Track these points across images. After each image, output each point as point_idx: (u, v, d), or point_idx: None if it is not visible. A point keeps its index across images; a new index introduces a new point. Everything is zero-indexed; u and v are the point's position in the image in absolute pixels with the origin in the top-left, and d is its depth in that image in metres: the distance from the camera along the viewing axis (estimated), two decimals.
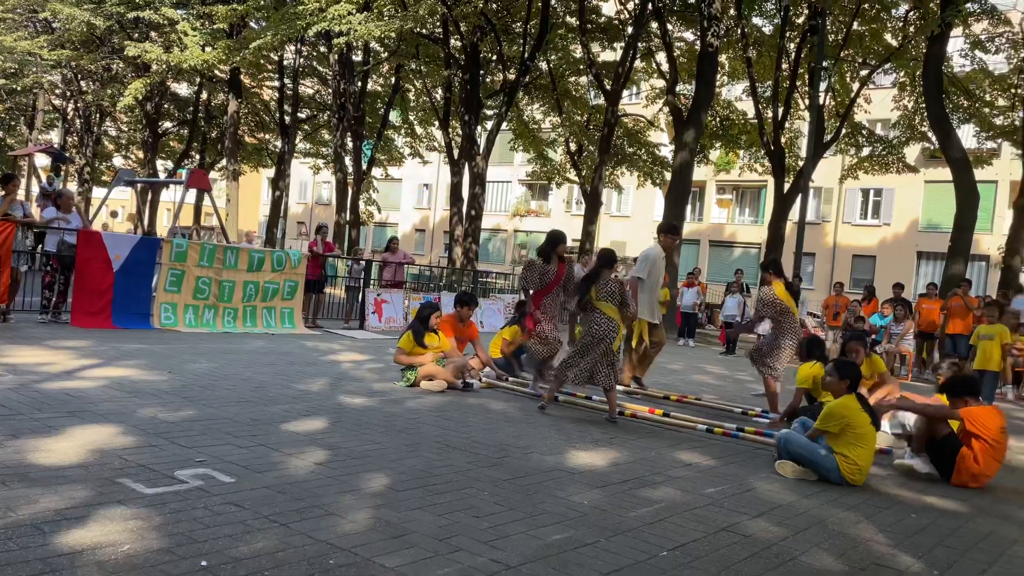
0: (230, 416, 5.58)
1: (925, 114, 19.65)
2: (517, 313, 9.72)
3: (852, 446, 5.27)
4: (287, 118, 31.05)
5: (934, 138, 19.15)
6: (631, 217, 41.16)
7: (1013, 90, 21.00)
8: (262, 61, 28.17)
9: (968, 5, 17.80)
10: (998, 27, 20.70)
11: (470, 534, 3.60)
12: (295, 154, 33.65)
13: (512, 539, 3.59)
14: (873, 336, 13.82)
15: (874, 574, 3.62)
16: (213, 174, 36.99)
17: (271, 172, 39.07)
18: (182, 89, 36.98)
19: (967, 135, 24.07)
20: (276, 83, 32.24)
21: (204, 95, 34.82)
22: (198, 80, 31.83)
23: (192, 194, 31.72)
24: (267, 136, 37.09)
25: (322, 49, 28.90)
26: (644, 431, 6.63)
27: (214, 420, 5.41)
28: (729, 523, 4.18)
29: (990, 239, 29.33)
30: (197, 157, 36.85)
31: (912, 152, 25.88)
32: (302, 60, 30.71)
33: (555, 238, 7.92)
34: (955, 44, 21.60)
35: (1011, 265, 17.91)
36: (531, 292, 7.88)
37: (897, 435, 6.49)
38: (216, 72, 28.91)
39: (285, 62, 31.03)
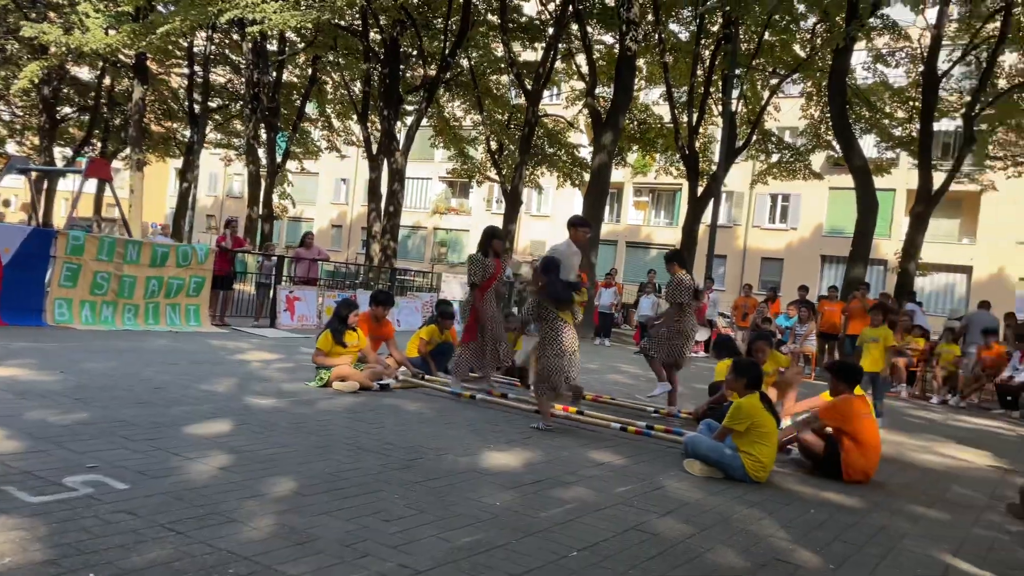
0: (127, 419, 5.32)
1: (830, 123, 20.50)
2: (436, 312, 9.64)
3: (757, 444, 5.43)
4: (197, 107, 29.93)
5: (838, 147, 19.99)
6: (551, 217, 41.51)
7: (911, 103, 22.12)
8: (170, 47, 26.99)
9: (871, 20, 18.67)
10: (898, 42, 21.78)
11: (378, 539, 3.52)
12: (205, 144, 32.49)
13: (422, 543, 3.53)
14: (779, 336, 14.31)
15: (774, 569, 3.73)
16: (116, 163, 35.38)
17: (179, 163, 37.61)
18: (83, 73, 35.15)
19: (868, 145, 25.26)
20: (185, 70, 31.03)
21: (107, 80, 33.22)
22: (101, 64, 30.32)
23: (92, 184, 30.29)
24: (175, 125, 35.66)
25: (235, 37, 28.00)
26: (559, 431, 6.66)
27: (109, 423, 5.14)
28: (638, 522, 4.23)
29: (888, 244, 30.84)
30: (99, 145, 35.14)
31: (818, 159, 26.97)
32: (213, 47, 29.64)
33: (491, 232, 8.02)
34: (859, 57, 22.59)
35: (907, 269, 18.87)
36: (475, 286, 7.90)
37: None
38: (120, 57, 27.61)
39: (195, 49, 29.88)
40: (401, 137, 24.09)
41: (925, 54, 19.33)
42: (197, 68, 29.90)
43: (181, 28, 20.61)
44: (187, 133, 32.45)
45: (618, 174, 30.92)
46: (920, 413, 11.26)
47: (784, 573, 3.69)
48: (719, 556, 3.83)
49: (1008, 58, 20.90)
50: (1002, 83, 20.68)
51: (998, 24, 18.58)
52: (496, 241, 7.96)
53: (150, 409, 5.71)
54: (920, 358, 13.96)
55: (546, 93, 27.37)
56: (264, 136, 27.69)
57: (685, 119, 22.54)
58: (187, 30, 21.55)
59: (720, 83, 21.83)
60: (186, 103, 31.02)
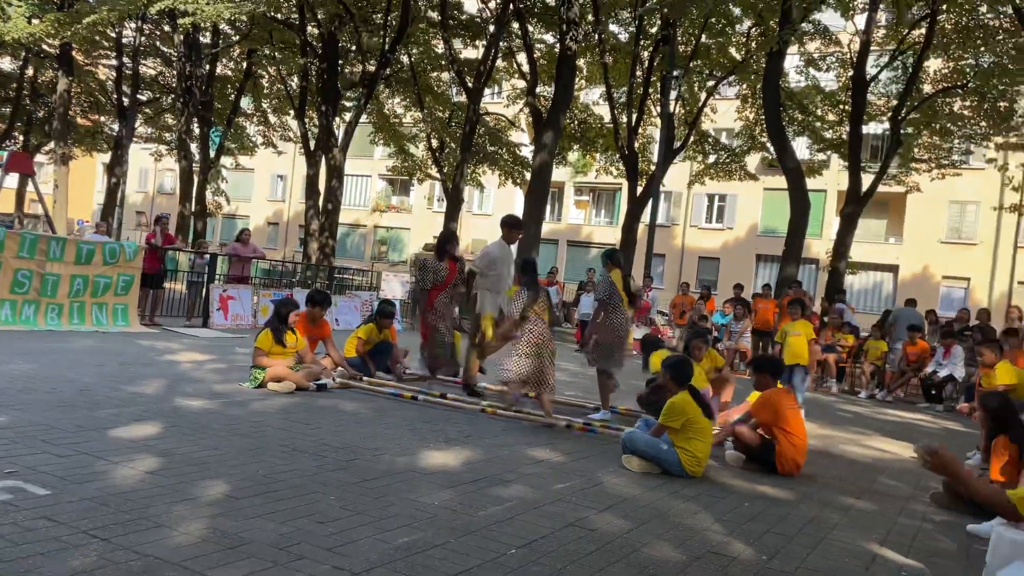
0: (49, 422, 5.10)
1: (764, 125, 21.00)
2: (376, 311, 9.52)
3: (692, 440, 5.52)
4: (126, 100, 28.95)
5: (772, 148, 20.51)
6: (493, 215, 41.49)
7: (841, 106, 22.83)
8: (97, 37, 26.06)
9: (803, 25, 19.19)
10: (829, 47, 22.45)
11: (313, 541, 3.44)
12: (135, 139, 31.45)
13: (358, 544, 3.47)
14: (715, 334, 14.59)
15: (709, 562, 3.78)
16: (40, 158, 33.99)
17: (107, 157, 36.30)
18: (4, 63, 33.66)
19: (801, 147, 25.95)
20: (114, 62, 29.97)
21: (30, 71, 31.87)
22: (23, 54, 29.07)
23: (14, 179, 29.04)
24: (103, 119, 34.44)
25: (166, 28, 27.17)
26: (498, 429, 6.65)
27: (30, 427, 4.92)
28: (577, 518, 4.24)
29: (820, 244, 31.78)
30: (21, 139, 33.69)
31: (753, 161, 27.60)
32: (144, 39, 28.72)
33: (447, 236, 8.20)
34: (791, 61, 23.21)
35: (837, 268, 19.46)
36: (427, 291, 7.89)
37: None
38: (44, 47, 26.53)
39: (124, 40, 28.89)
40: (340, 133, 23.75)
41: (854, 59, 19.96)
42: (126, 60, 28.92)
43: (109, 18, 19.94)
44: (115, 127, 31.37)
45: (559, 173, 31.15)
46: (849, 407, 11.61)
47: (719, 565, 3.74)
48: (656, 550, 3.86)
49: (933, 63, 21.74)
50: (927, 88, 21.50)
51: (923, 31, 19.30)
52: (451, 245, 8.10)
53: (74, 412, 5.48)
54: (849, 354, 14.41)
55: (487, 91, 27.34)
56: (197, 131, 26.96)
57: (624, 119, 22.79)
58: (115, 20, 20.86)
59: (659, 84, 22.15)
60: (114, 96, 29.97)
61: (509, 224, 8.55)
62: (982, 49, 19.86)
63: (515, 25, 22.74)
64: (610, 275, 7.83)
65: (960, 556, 4.40)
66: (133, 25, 26.95)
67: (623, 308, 7.80)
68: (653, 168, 22.83)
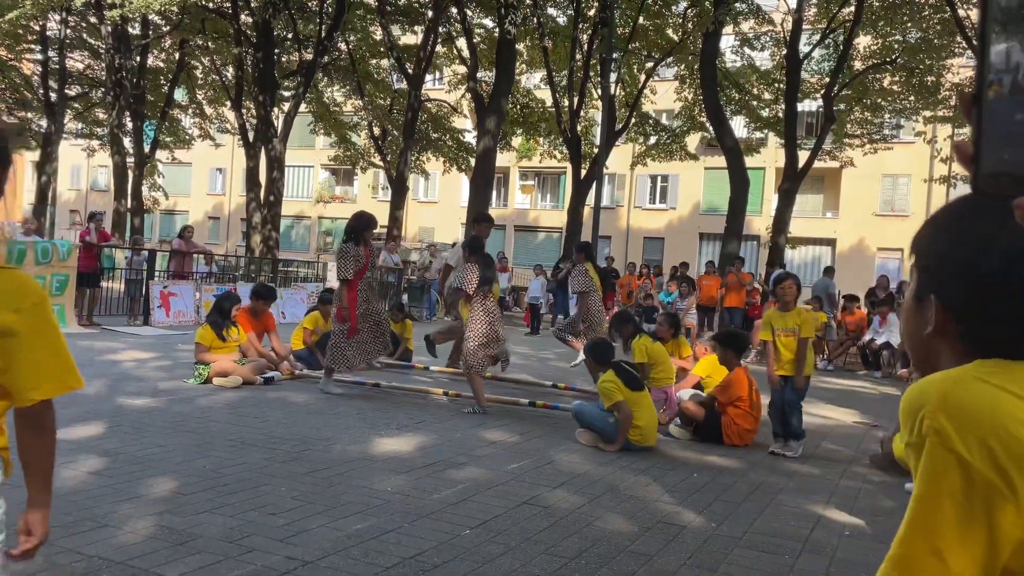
0: None
1: (703, 106, 21.30)
2: (318, 300, 9.41)
3: (633, 413, 5.61)
4: (53, 95, 27.91)
5: (711, 128, 20.82)
6: (439, 203, 41.29)
7: (776, 85, 23.26)
8: (20, 31, 25.05)
9: (737, 5, 19.47)
10: (763, 26, 22.83)
11: (264, 533, 3.41)
12: (64, 135, 30.38)
13: (310, 533, 3.45)
14: (661, 312, 14.79)
15: (661, 531, 3.86)
16: None
17: (36, 155, 35.01)
18: None
19: (739, 126, 26.39)
20: (39, 56, 28.83)
21: None
22: None
23: None
24: (29, 115, 33.13)
25: (92, 20, 26.23)
26: (451, 413, 6.65)
27: None
28: (530, 496, 4.28)
29: (760, 220, 32.39)
30: None
31: (693, 141, 27.97)
32: (69, 31, 27.68)
33: (367, 222, 7.58)
34: (727, 41, 23.54)
35: (778, 243, 19.91)
36: (348, 280, 7.37)
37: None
38: None
39: (49, 32, 27.81)
40: (279, 123, 23.30)
41: (788, 38, 20.35)
42: (52, 53, 27.85)
43: (31, 12, 19.17)
44: (43, 123, 30.21)
45: (503, 158, 31.04)
46: None
47: (670, 534, 3.82)
48: (608, 523, 3.93)
49: (862, 40, 22.29)
50: (858, 65, 22.05)
51: (853, 8, 19.77)
52: (368, 233, 7.54)
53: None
54: None
55: (428, 77, 27.10)
56: (130, 125, 26.12)
57: (566, 103, 22.86)
58: (38, 13, 20.06)
59: (598, 67, 22.25)
60: (41, 91, 28.86)
61: (480, 220, 8.99)
62: (909, 25, 20.44)
63: (453, 10, 22.57)
64: (585, 266, 8.29)
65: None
66: (57, 17, 25.94)
67: (598, 294, 8.25)
68: (596, 151, 22.96)
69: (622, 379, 5.68)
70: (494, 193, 28.72)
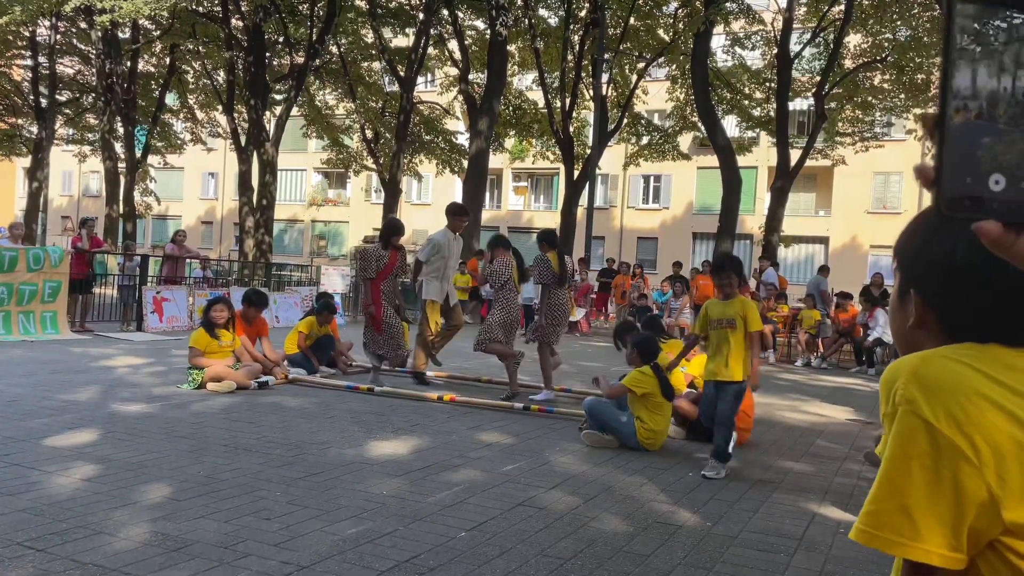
0: None
1: (695, 106, 21.33)
2: (317, 305, 9.40)
3: (651, 413, 5.66)
4: (44, 101, 27.81)
5: (703, 128, 20.86)
6: (432, 205, 41.23)
7: (767, 84, 23.33)
8: (10, 37, 24.95)
9: (727, 4, 19.52)
10: (753, 25, 22.88)
11: (259, 538, 3.41)
12: (56, 141, 30.26)
13: (306, 538, 3.45)
14: (656, 311, 14.81)
15: (656, 531, 3.87)
16: None
17: (27, 161, 34.87)
18: None
19: (731, 125, 26.47)
20: (29, 61, 28.73)
21: None
22: None
23: None
24: (20, 121, 33.00)
25: (83, 25, 26.15)
26: (446, 416, 6.65)
27: None
28: (525, 498, 4.29)
29: (753, 219, 32.46)
30: None
31: (685, 141, 28.04)
32: (59, 36, 27.58)
33: (396, 228, 8.24)
34: (718, 41, 23.58)
35: (771, 241, 19.96)
36: (371, 279, 7.96)
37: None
38: None
39: (39, 38, 27.72)
40: (271, 127, 23.27)
41: (778, 37, 20.41)
42: (42, 59, 27.75)
43: (21, 18, 19.10)
44: (34, 129, 30.10)
45: (496, 160, 31.12)
46: (786, 376, 11.95)
47: (665, 534, 3.83)
48: (604, 524, 3.93)
49: (852, 39, 22.37)
50: (848, 63, 22.12)
51: (843, 7, 19.83)
52: (395, 237, 8.10)
53: (3, 424, 5.29)
54: (785, 324, 14.81)
55: (420, 80, 27.07)
56: (121, 130, 26.06)
57: (558, 104, 22.88)
58: (28, 19, 19.99)
59: (590, 68, 22.28)
60: (31, 97, 28.76)
61: (454, 212, 8.71)
62: (899, 23, 20.52)
63: (444, 12, 22.57)
64: (547, 256, 7.87)
65: None
66: (47, 23, 25.85)
67: (564, 290, 8.02)
68: (589, 151, 22.99)
69: (659, 380, 5.69)
70: (487, 195, 28.75)
